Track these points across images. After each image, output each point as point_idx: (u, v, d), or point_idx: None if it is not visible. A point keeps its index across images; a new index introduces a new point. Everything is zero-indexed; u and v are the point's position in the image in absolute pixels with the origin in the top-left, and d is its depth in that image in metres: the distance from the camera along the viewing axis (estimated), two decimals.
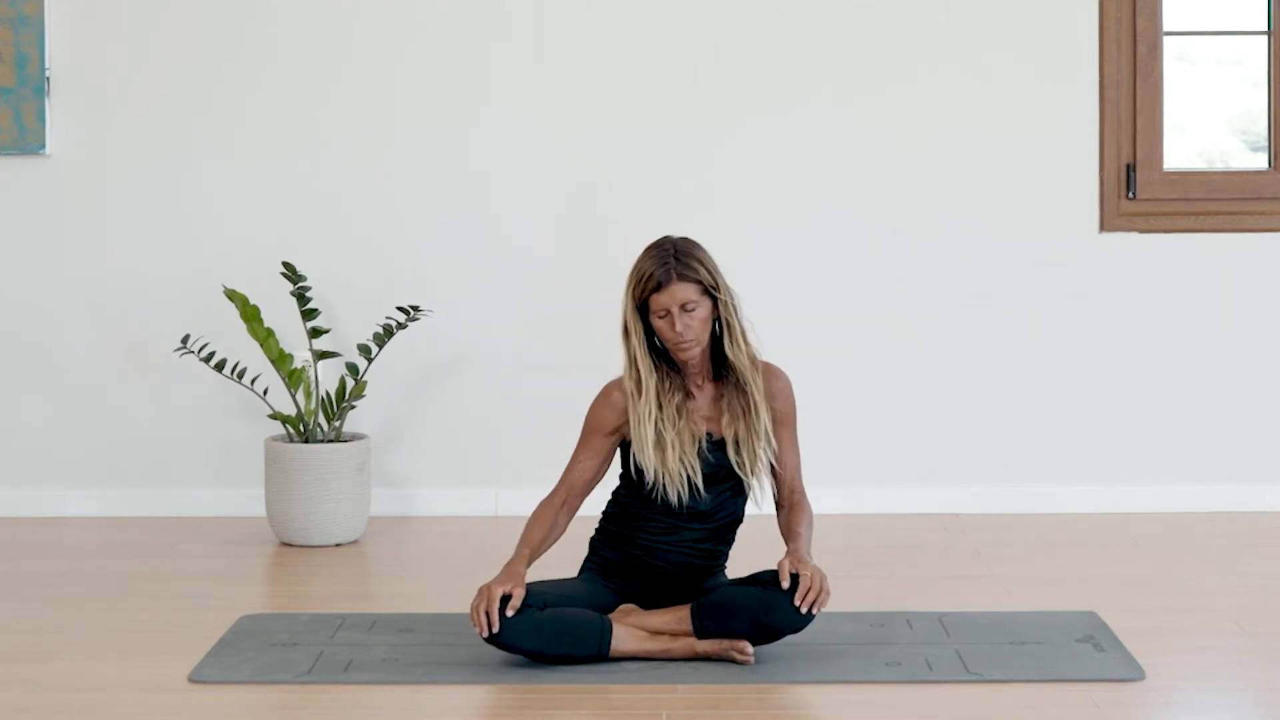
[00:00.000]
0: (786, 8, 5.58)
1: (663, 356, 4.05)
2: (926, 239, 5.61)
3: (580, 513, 4.12)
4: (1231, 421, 5.64)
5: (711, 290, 3.98)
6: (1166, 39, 5.60)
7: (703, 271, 3.97)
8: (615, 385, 4.08)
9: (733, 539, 4.15)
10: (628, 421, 4.03)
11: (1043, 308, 5.61)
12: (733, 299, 4.02)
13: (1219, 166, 5.84)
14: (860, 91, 5.59)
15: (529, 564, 3.96)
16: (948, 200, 5.60)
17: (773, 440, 4.05)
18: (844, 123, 5.60)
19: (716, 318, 4.02)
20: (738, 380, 4.03)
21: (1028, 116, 5.58)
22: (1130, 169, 5.58)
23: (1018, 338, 5.62)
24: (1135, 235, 5.61)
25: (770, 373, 4.09)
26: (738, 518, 4.13)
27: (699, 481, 4.00)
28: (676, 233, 4.10)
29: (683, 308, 3.94)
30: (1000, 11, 5.57)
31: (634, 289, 3.97)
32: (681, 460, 3.98)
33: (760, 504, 4.12)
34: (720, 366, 4.07)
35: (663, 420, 3.98)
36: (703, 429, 4.03)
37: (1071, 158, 5.59)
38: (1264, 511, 5.58)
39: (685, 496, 4.01)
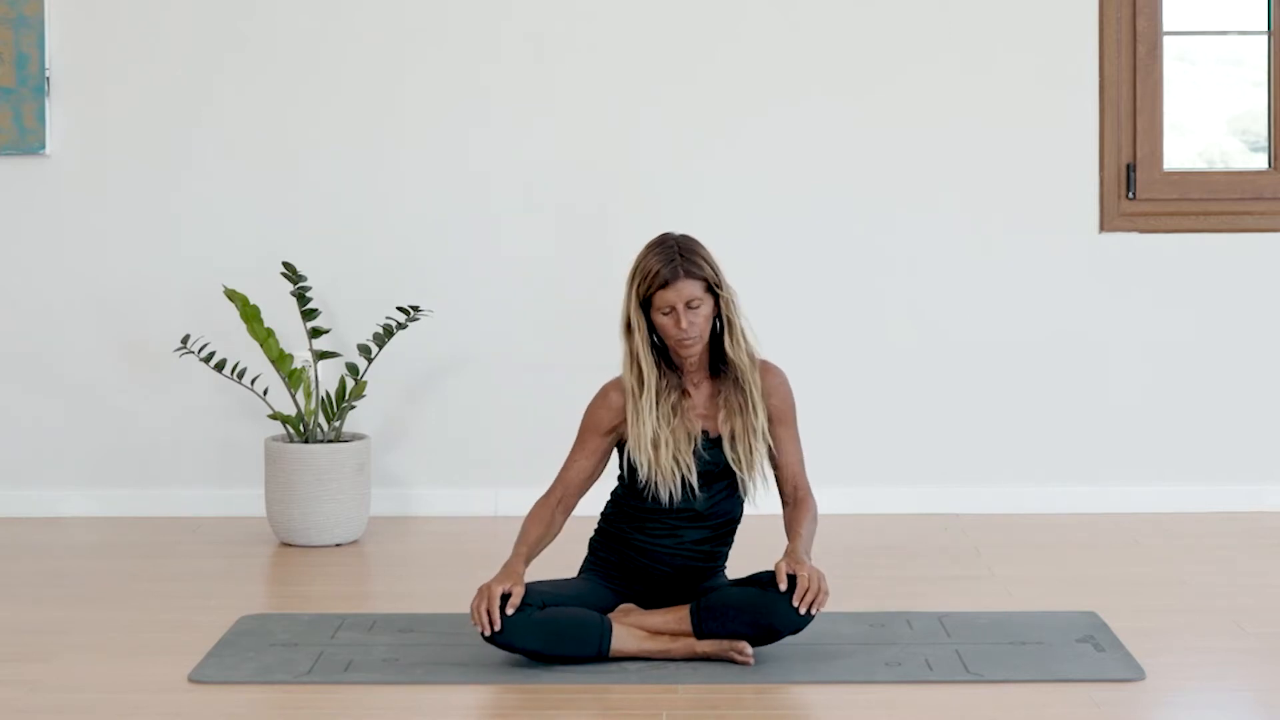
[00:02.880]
0: (787, 8, 5.58)
1: (660, 354, 4.05)
2: (926, 239, 5.61)
3: (577, 512, 4.12)
4: (1231, 421, 5.64)
5: (714, 288, 3.99)
6: (1166, 39, 5.60)
7: (707, 269, 3.98)
8: (613, 385, 4.08)
9: (732, 540, 4.15)
10: (625, 421, 4.03)
11: (1043, 308, 5.62)
12: (733, 297, 4.03)
13: (1219, 166, 5.84)
14: (859, 92, 5.59)
15: (527, 563, 3.96)
16: (947, 200, 5.60)
17: (769, 437, 4.04)
18: (844, 124, 5.60)
19: (717, 315, 4.02)
20: (736, 377, 4.04)
21: (1028, 116, 5.58)
22: (1130, 169, 5.58)
23: (1018, 338, 5.63)
24: (1135, 235, 5.61)
25: (767, 370, 4.09)
26: (735, 518, 4.12)
27: (694, 480, 4.00)
28: (675, 231, 4.10)
29: (688, 305, 3.94)
30: (999, 12, 5.57)
31: (638, 285, 3.97)
32: (676, 459, 3.98)
33: (758, 504, 4.11)
34: (717, 364, 4.07)
35: (659, 418, 3.99)
36: (698, 427, 4.03)
37: (1071, 158, 5.59)
38: (1264, 511, 5.58)
39: (678, 495, 4.01)
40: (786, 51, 5.58)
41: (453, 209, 5.62)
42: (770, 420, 4.08)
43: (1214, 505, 5.60)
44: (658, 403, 3.99)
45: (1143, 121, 5.57)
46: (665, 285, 3.94)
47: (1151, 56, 5.56)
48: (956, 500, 5.61)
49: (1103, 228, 5.60)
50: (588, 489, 4.11)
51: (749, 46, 5.58)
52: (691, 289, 3.94)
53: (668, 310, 3.95)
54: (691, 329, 3.95)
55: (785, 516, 4.09)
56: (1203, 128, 5.90)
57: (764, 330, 5.53)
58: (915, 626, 4.22)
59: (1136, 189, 5.58)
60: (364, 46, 5.60)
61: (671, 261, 3.95)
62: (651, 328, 4.01)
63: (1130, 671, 3.86)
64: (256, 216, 5.62)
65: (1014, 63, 5.58)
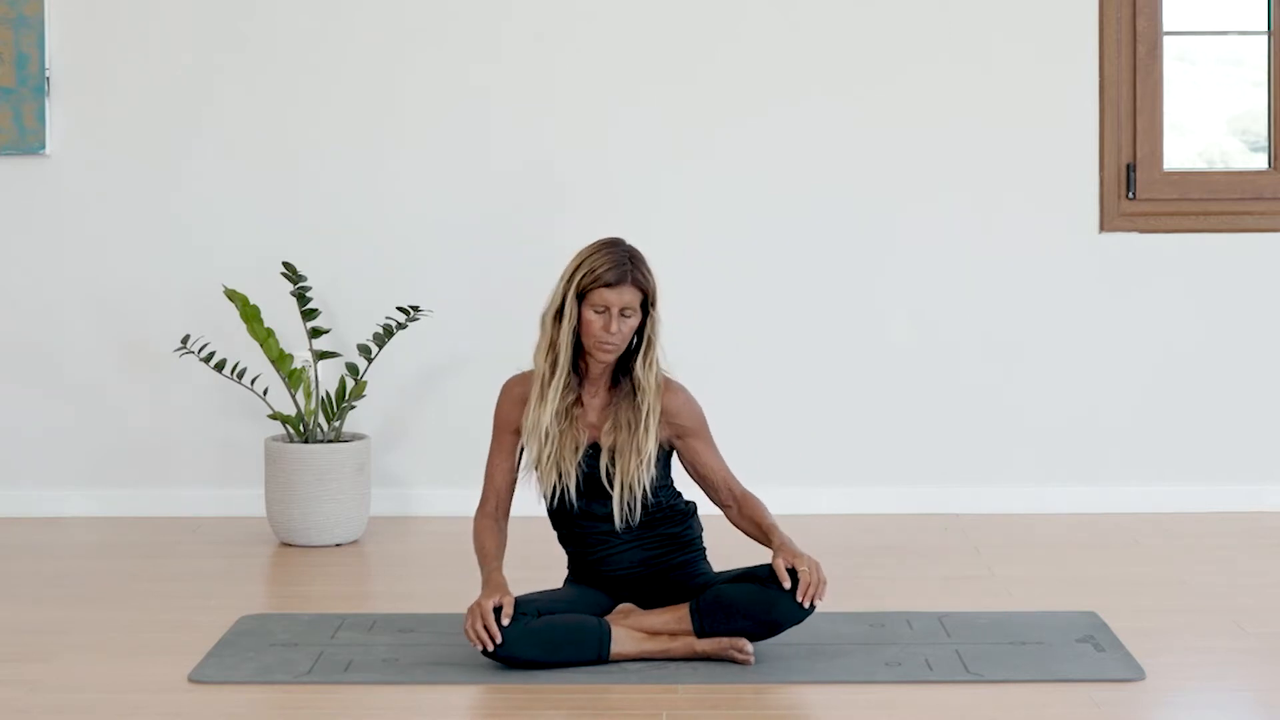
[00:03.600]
0: (787, 8, 5.58)
1: (572, 354, 4.04)
2: (926, 239, 5.61)
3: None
4: (1231, 421, 5.64)
5: (648, 305, 3.99)
6: (1166, 39, 5.60)
7: (650, 283, 4.00)
8: (515, 380, 4.11)
9: (686, 530, 4.09)
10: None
11: (1043, 308, 5.61)
12: (659, 321, 4.02)
13: (1219, 166, 5.83)
14: (860, 91, 5.59)
15: (501, 572, 3.97)
16: (948, 200, 5.60)
17: (653, 466, 3.99)
18: (843, 123, 5.60)
19: (638, 332, 4.01)
20: (635, 395, 4.02)
21: (1028, 116, 5.58)
22: (1130, 169, 5.58)
23: (1018, 338, 5.62)
24: (1135, 235, 5.61)
25: (671, 390, 4.05)
26: (679, 509, 4.08)
27: (572, 495, 4.00)
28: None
29: (621, 311, 3.95)
30: (999, 11, 5.57)
31: (581, 277, 3.97)
32: (558, 467, 3.99)
33: (633, 520, 4.02)
34: (619, 378, 4.06)
35: (553, 413, 3.98)
36: (585, 437, 4.02)
37: (1071, 158, 5.59)
38: (1264, 511, 5.58)
39: (549, 500, 4.04)
40: (786, 51, 5.58)
41: (453, 209, 5.62)
42: (684, 438, 4.05)
43: (1214, 505, 5.60)
44: (559, 395, 3.99)
45: (1143, 121, 5.57)
46: (609, 285, 3.94)
47: (1151, 56, 5.56)
48: (956, 500, 5.61)
49: (1103, 228, 5.60)
50: (515, 487, 4.12)
51: (749, 46, 5.58)
52: (631, 297, 3.95)
53: (602, 309, 3.95)
54: (616, 335, 3.95)
55: (737, 518, 4.06)
56: (1203, 128, 5.90)
57: (766, 330, 5.54)
58: (915, 626, 4.22)
59: (1136, 189, 5.58)
60: (364, 46, 5.60)
61: (622, 265, 3.96)
62: (576, 324, 4.00)
63: (1130, 671, 3.86)
64: (256, 216, 5.62)
65: (1014, 63, 5.58)
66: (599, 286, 3.94)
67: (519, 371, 4.11)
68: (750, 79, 5.59)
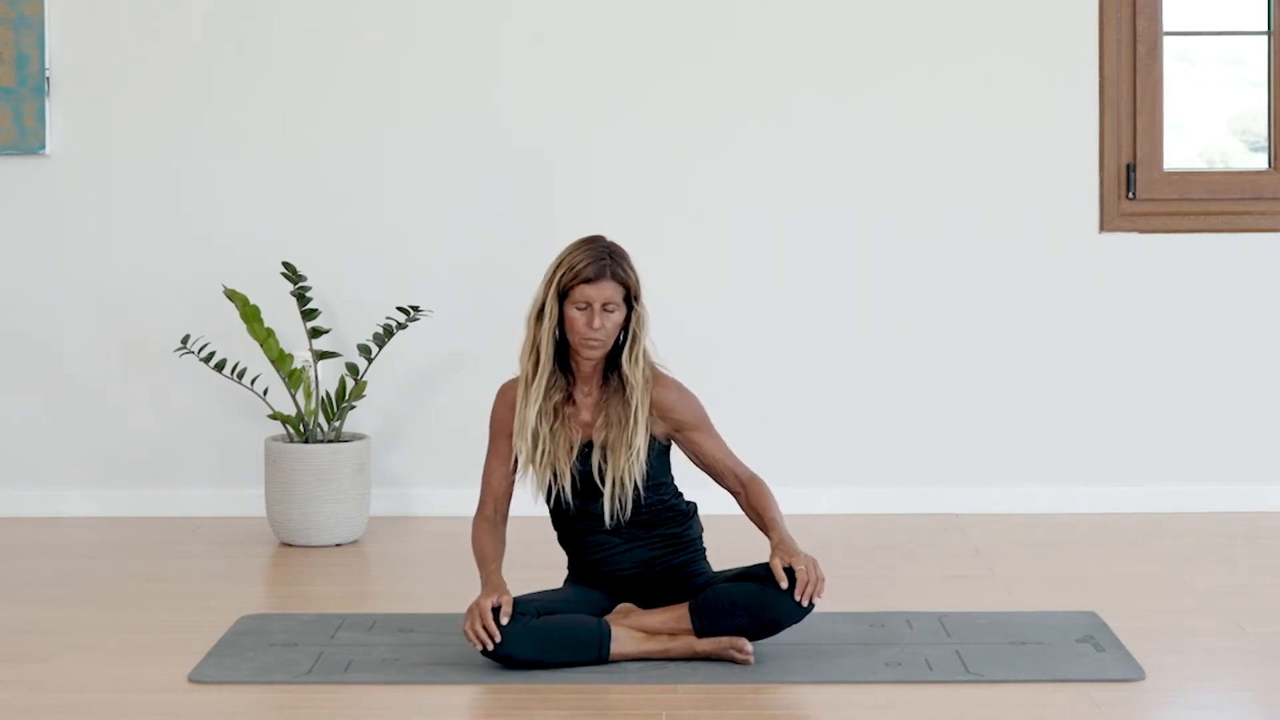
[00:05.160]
0: (787, 8, 5.58)
1: (559, 354, 4.03)
2: (926, 239, 5.61)
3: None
4: (1231, 421, 5.64)
5: (632, 299, 3.99)
6: (1166, 39, 5.60)
7: (631, 277, 4.00)
8: (509, 385, 4.11)
9: (686, 531, 4.09)
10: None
11: (1042, 308, 5.61)
12: (645, 315, 4.02)
13: (1219, 166, 5.83)
14: (859, 91, 5.59)
15: (500, 573, 3.97)
16: (948, 200, 5.60)
17: (644, 461, 3.99)
18: (843, 124, 5.60)
19: (623, 328, 4.02)
20: (624, 392, 4.02)
21: (1027, 116, 5.58)
22: (1130, 169, 5.58)
23: (1018, 338, 5.62)
24: (1135, 235, 5.61)
25: (665, 385, 4.04)
26: (678, 510, 4.09)
27: (568, 495, 4.00)
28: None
29: (604, 306, 3.95)
30: (999, 12, 5.57)
31: (562, 275, 3.97)
32: (554, 469, 3.99)
33: (623, 516, 4.01)
34: (609, 376, 4.06)
35: (539, 413, 3.99)
36: (578, 436, 4.02)
37: (1071, 158, 5.59)
38: (1264, 511, 5.58)
39: (546, 500, 4.04)
40: (786, 51, 5.58)
41: (453, 209, 5.62)
42: (683, 431, 4.05)
43: (1214, 505, 5.60)
44: (543, 394, 3.99)
45: (1143, 121, 5.57)
46: (588, 281, 3.95)
47: (1151, 56, 5.56)
48: (956, 500, 5.61)
49: (1103, 228, 5.60)
50: (513, 491, 4.12)
51: (748, 46, 5.58)
52: (612, 291, 3.95)
53: (584, 305, 3.95)
54: (600, 331, 3.95)
55: (745, 506, 4.05)
56: (1203, 128, 5.90)
57: (763, 330, 5.54)
58: (915, 626, 4.22)
59: (1136, 189, 5.58)
60: (364, 46, 5.60)
61: (601, 260, 3.96)
62: (559, 323, 4.01)
63: (1130, 671, 3.86)
64: (256, 216, 5.62)
65: (1014, 63, 5.58)
66: (579, 283, 3.95)
67: (514, 376, 4.11)
68: (750, 79, 5.58)
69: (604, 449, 4.00)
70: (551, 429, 4.01)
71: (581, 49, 5.60)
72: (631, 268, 4.01)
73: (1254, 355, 5.63)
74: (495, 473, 4.12)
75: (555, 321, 3.99)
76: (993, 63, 5.58)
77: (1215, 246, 5.61)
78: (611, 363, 4.05)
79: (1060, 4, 5.56)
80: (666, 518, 4.07)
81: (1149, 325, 5.63)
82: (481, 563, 4.01)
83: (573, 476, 4.00)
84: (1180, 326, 5.63)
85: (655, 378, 4.04)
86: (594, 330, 3.95)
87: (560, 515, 4.08)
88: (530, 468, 4.03)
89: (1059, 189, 5.59)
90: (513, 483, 4.11)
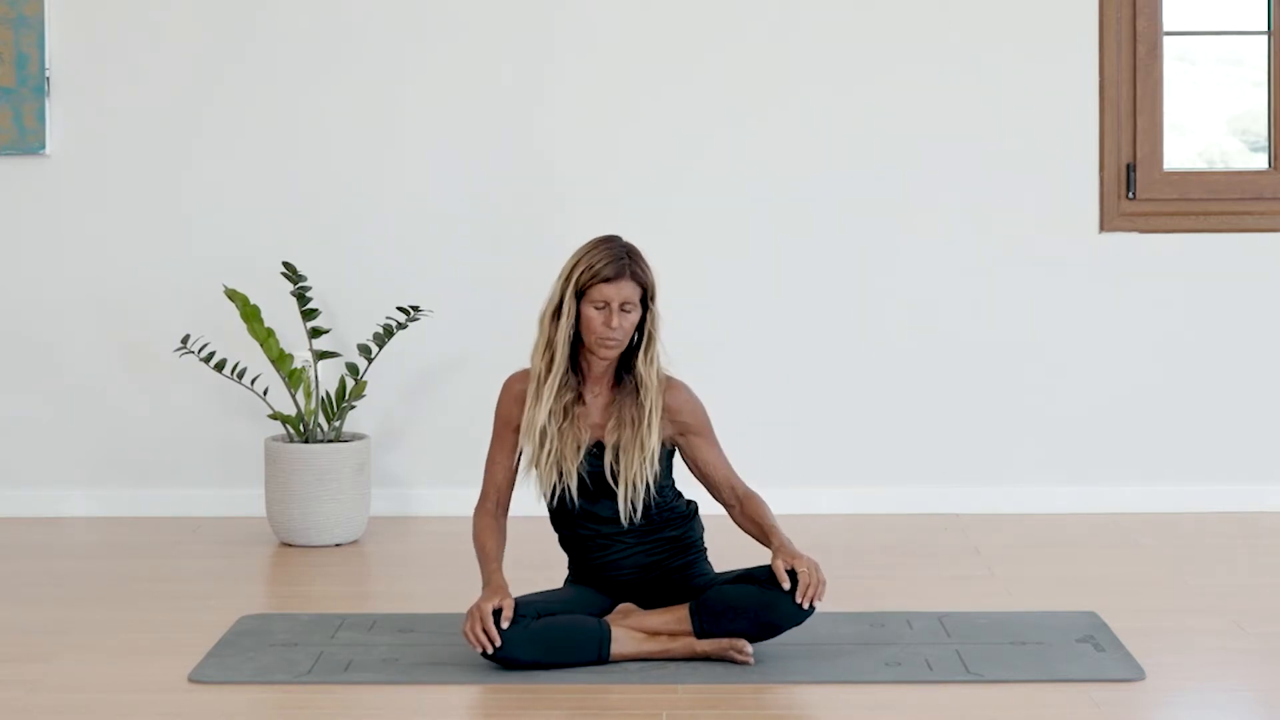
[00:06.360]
0: (787, 8, 5.58)
1: (572, 354, 4.03)
2: (927, 239, 5.61)
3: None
4: (1231, 421, 5.64)
5: (648, 300, 3.99)
6: (1166, 39, 5.60)
7: (649, 278, 4.00)
8: (515, 378, 4.10)
9: (687, 533, 4.08)
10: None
11: (1043, 308, 5.61)
12: (659, 316, 4.02)
13: (1219, 166, 5.84)
14: (859, 91, 5.59)
15: (502, 574, 3.97)
16: (948, 200, 5.60)
17: (656, 463, 4.00)
18: (843, 124, 5.60)
19: (638, 329, 4.01)
20: (637, 392, 4.01)
21: (1027, 116, 5.58)
22: (1130, 169, 5.58)
23: (1018, 338, 5.63)
24: (1135, 235, 5.61)
25: (673, 387, 4.05)
26: (680, 511, 4.09)
27: (573, 494, 4.00)
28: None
29: (622, 306, 3.94)
30: (999, 12, 5.57)
31: (580, 274, 3.96)
32: (559, 466, 3.98)
33: (635, 518, 4.01)
34: (621, 377, 4.05)
35: (550, 412, 3.98)
36: (587, 437, 4.01)
37: (1071, 158, 5.59)
38: (1264, 511, 5.58)
39: (549, 500, 4.03)
40: (786, 51, 5.58)
41: (453, 209, 5.62)
42: (687, 435, 4.05)
43: (1214, 505, 5.60)
44: (556, 393, 3.99)
45: (1143, 121, 5.57)
46: (608, 280, 3.94)
47: (1151, 56, 5.56)
48: (956, 500, 5.61)
49: (1103, 228, 5.60)
50: (515, 484, 4.11)
51: (749, 46, 5.58)
52: (630, 291, 3.95)
53: (601, 305, 3.95)
54: (618, 330, 3.94)
55: (739, 517, 4.06)
56: (1203, 128, 5.90)
57: (764, 330, 5.54)
58: (915, 626, 4.22)
59: (1136, 189, 5.58)
60: (364, 46, 5.60)
61: (620, 260, 3.96)
62: (575, 322, 4.00)
63: (1130, 671, 3.86)
64: (256, 216, 5.62)
65: (1014, 63, 5.58)
66: (598, 282, 3.94)
67: (521, 369, 4.10)
68: (750, 79, 5.58)
69: (616, 450, 3.99)
70: (560, 429, 4.00)
71: (581, 49, 5.59)
72: (649, 268, 4.00)
73: (1253, 355, 5.64)
74: (498, 464, 4.11)
75: (573, 320, 3.98)
76: (993, 62, 5.58)
77: (1215, 246, 5.61)
78: (622, 363, 4.04)
79: (1060, 4, 5.56)
80: (668, 520, 4.07)
81: (1149, 325, 5.63)
82: (483, 559, 4.01)
83: (580, 477, 4.00)
84: (1180, 326, 5.63)
85: (667, 380, 4.04)
86: (611, 330, 3.94)
87: (563, 516, 4.08)
88: (535, 467, 4.02)
89: (1059, 189, 5.59)
90: (515, 475, 4.10)
